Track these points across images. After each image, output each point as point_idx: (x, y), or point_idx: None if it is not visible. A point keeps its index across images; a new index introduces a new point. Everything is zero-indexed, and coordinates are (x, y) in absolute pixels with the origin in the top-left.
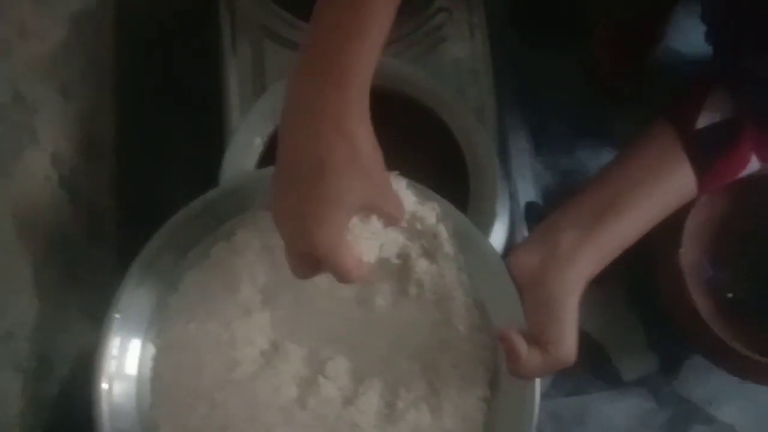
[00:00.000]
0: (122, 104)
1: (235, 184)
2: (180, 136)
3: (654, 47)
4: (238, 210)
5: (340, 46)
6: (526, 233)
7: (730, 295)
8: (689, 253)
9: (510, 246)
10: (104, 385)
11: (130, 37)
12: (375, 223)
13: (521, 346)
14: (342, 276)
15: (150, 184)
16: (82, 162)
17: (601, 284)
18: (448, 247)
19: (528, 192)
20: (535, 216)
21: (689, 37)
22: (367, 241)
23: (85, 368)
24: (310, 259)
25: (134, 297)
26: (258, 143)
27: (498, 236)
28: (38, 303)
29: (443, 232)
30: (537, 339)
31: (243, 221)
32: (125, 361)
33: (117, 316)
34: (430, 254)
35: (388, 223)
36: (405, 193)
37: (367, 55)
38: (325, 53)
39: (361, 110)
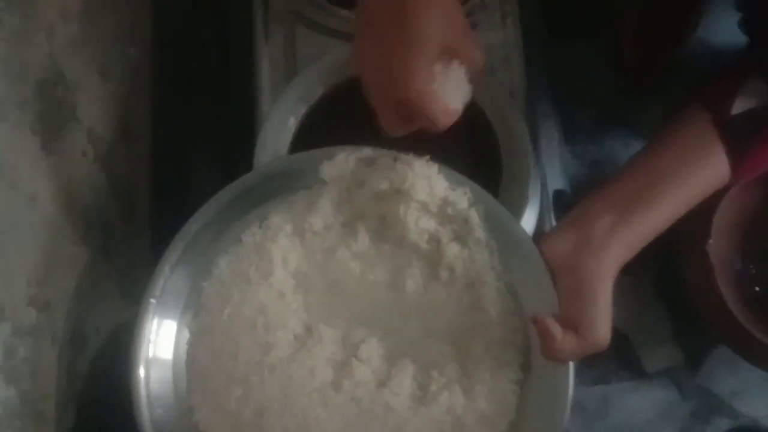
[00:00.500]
0: (157, 88)
1: (270, 168)
2: (212, 120)
3: (684, 38)
4: (271, 194)
5: None
6: (553, 221)
7: (757, 288)
8: (718, 246)
9: (538, 232)
10: (141, 371)
11: (165, 24)
12: (457, 69)
13: (555, 329)
14: (434, 120)
15: (182, 166)
16: (117, 142)
17: (627, 274)
18: (480, 232)
19: (556, 180)
20: (563, 204)
21: (719, 27)
22: (453, 88)
23: (118, 345)
24: (401, 109)
25: (169, 282)
26: (291, 123)
27: (529, 221)
28: (76, 278)
29: (475, 217)
30: (571, 323)
31: (275, 206)
32: (161, 345)
33: (153, 300)
34: (461, 239)
35: (471, 68)
36: (437, 178)
37: None
38: None
39: None
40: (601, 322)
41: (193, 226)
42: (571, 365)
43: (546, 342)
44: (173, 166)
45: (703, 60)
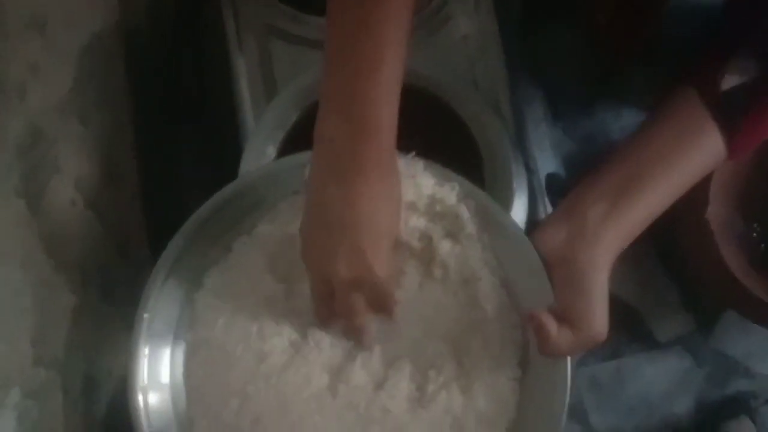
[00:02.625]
0: (138, 123)
1: (252, 177)
2: (198, 145)
3: (665, 2)
4: (258, 203)
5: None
6: (548, 206)
7: (762, 246)
8: (717, 212)
9: (531, 222)
10: (140, 399)
11: (139, 60)
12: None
13: (550, 325)
14: (386, 305)
15: (173, 196)
16: (105, 184)
17: (630, 246)
18: (471, 227)
19: (548, 163)
20: (556, 188)
21: None
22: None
23: None
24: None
25: (161, 296)
26: (271, 151)
27: (517, 216)
28: (80, 327)
29: (465, 212)
30: (566, 317)
31: (263, 214)
32: (158, 368)
33: (146, 315)
34: (453, 235)
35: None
36: (423, 174)
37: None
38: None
39: (393, 156)
40: (597, 315)
41: (179, 240)
42: (569, 360)
43: (541, 338)
44: (165, 196)
45: (683, 22)
